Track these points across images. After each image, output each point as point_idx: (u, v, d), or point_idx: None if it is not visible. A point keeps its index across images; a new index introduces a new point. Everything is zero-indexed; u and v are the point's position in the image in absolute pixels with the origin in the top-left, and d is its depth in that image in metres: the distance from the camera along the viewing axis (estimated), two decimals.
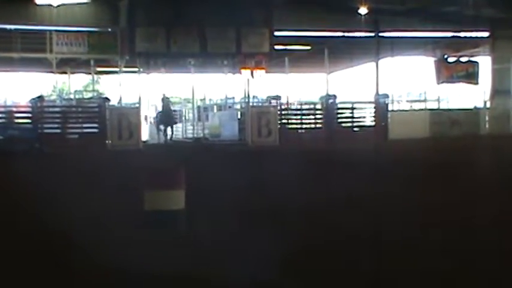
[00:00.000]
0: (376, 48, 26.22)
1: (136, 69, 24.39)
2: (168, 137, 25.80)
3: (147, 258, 5.68)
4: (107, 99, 23.77)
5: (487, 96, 28.23)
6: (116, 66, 23.99)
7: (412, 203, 8.48)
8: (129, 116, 22.52)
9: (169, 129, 26.08)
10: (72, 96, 28.35)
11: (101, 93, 29.21)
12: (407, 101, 30.10)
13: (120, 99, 23.95)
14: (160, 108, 26.95)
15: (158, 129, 26.34)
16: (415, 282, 4.95)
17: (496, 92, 27.99)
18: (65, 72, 29.06)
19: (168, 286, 5.00)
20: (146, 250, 6.04)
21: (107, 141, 22.16)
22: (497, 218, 7.17)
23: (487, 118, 27.58)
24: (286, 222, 7.29)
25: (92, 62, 26.19)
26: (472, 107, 28.23)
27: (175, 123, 26.90)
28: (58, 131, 22.41)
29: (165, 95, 26.57)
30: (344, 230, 6.83)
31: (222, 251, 6.01)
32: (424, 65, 30.96)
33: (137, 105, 23.50)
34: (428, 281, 4.97)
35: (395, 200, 8.75)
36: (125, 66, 23.88)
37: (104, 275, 5.24)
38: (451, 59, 28.28)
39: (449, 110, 28.31)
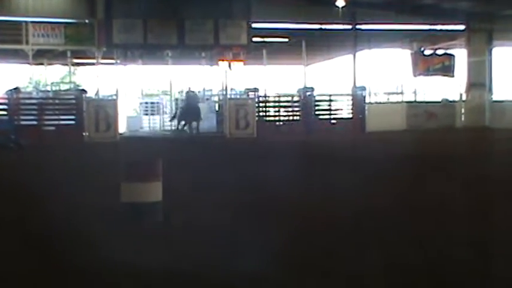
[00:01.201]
0: (353, 40, 26.39)
1: (113, 61, 24.29)
2: (194, 131, 24.00)
3: (120, 251, 5.75)
4: (84, 91, 23.66)
5: (463, 89, 28.54)
6: (93, 58, 23.87)
7: (385, 197, 8.62)
8: (106, 108, 22.46)
9: (194, 123, 24.22)
10: (48, 88, 28.10)
11: (78, 85, 29.01)
12: (385, 94, 30.26)
13: (98, 91, 23.86)
14: (183, 103, 25.42)
15: (179, 124, 24.60)
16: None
17: (472, 84, 28.32)
18: (42, 64, 28.85)
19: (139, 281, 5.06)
20: (121, 243, 6.11)
21: (84, 134, 22.09)
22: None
23: (462, 111, 27.90)
24: (263, 215, 7.39)
25: (68, 54, 26.03)
26: (443, 99, 28.51)
27: (201, 118, 24.22)
28: (34, 123, 22.27)
29: (190, 89, 24.89)
30: (323, 223, 6.95)
31: (198, 243, 6.09)
32: (401, 57, 31.21)
33: (114, 97, 23.43)
34: None
35: (367, 193, 8.89)
36: (102, 58, 23.77)
37: (77, 269, 5.30)
38: (427, 52, 28.54)
39: (426, 102, 28.57)
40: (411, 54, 28.59)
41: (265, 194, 8.63)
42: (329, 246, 5.81)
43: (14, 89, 22.38)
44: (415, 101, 28.74)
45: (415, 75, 28.48)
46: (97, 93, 23.85)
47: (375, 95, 29.05)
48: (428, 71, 28.40)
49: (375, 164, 12.33)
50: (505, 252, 5.40)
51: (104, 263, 5.36)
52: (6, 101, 22.10)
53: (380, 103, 28.41)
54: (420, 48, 28.57)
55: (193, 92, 24.92)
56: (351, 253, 5.53)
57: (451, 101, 27.93)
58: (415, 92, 29.88)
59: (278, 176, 10.20)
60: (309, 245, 5.87)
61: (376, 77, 29.87)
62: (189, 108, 24.14)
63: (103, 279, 5.01)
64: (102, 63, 24.06)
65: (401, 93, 29.65)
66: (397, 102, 28.17)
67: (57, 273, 5.17)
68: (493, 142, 18.42)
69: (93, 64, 24.77)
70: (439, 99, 28.52)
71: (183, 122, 23.82)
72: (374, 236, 6.16)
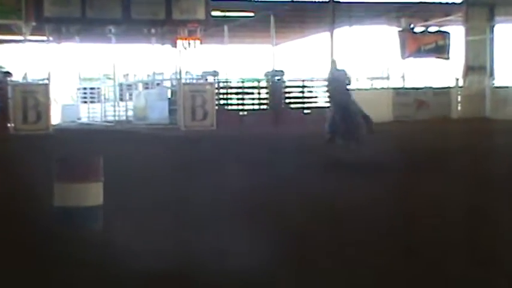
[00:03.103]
0: (331, 15, 26.53)
1: (44, 38, 24.07)
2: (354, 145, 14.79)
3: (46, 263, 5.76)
4: (9, 73, 23.42)
5: (460, 73, 28.95)
6: (20, 34, 23.62)
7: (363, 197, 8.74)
8: (36, 95, 22.26)
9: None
10: None
11: (1, 67, 28.68)
12: (368, 79, 30.58)
13: (25, 74, 23.64)
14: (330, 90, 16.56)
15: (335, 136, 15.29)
16: None
17: (470, 68, 28.73)
18: None
19: None
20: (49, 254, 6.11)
21: (8, 124, 21.89)
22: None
23: (459, 99, 28.27)
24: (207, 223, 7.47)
25: None
26: (442, 86, 28.93)
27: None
28: None
29: (335, 61, 16.27)
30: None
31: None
32: (387, 36, 31.49)
33: (46, 81, 23.23)
34: None
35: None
36: (31, 34, 23.54)
37: None
38: (418, 29, 28.85)
39: (416, 89, 28.87)
40: (399, 32, 28.83)
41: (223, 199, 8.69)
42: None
43: None
44: (403, 88, 29.08)
45: (403, 57, 28.76)
46: (25, 77, 23.62)
47: (356, 81, 29.30)
48: (419, 52, 28.70)
49: (352, 163, 12.47)
50: None
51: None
52: None
53: (362, 90, 28.64)
54: (409, 25, 28.81)
55: (341, 69, 15.60)
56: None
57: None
58: (403, 77, 30.22)
59: (237, 175, 10.27)
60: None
61: (358, 59, 30.12)
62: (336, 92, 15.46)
63: None
64: (30, 41, 23.83)
65: (387, 78, 29.98)
66: (383, 89, 28.45)
67: None
68: (492, 135, 18.74)
69: (20, 42, 24.50)
70: (439, 86, 28.67)
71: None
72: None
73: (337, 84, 14.85)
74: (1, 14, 22.89)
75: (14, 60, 33.61)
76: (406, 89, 28.88)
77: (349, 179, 10.39)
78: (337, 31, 27.32)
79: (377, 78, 30.40)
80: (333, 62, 15.31)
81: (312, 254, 6.05)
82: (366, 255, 5.97)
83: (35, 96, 22.17)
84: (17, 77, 23.46)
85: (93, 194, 7.26)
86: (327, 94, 16.05)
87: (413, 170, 11.30)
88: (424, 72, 31.89)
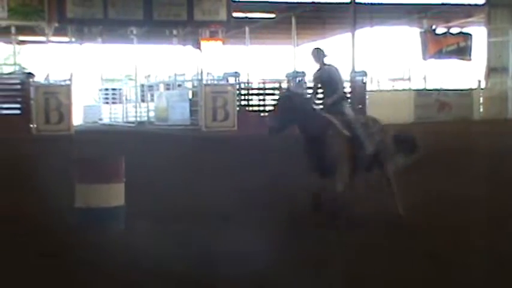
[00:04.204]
0: (352, 16, 26.43)
1: (67, 39, 24.17)
2: None
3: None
4: (31, 74, 23.52)
5: (482, 75, 28.75)
6: (43, 35, 23.75)
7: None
8: (58, 95, 22.35)
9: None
10: None
11: (23, 68, 28.84)
12: (389, 80, 30.44)
13: (48, 75, 23.74)
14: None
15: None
16: None
17: (492, 69, 28.52)
18: None
19: None
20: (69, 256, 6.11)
21: (31, 125, 21.98)
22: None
23: (481, 100, 28.08)
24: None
25: (13, 30, 25.83)
26: (464, 87, 28.76)
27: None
28: None
29: (321, 51, 10.01)
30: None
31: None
32: (408, 37, 31.35)
33: (68, 82, 23.32)
34: None
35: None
36: (54, 35, 23.66)
37: None
38: (439, 31, 28.68)
39: (438, 90, 28.71)
40: (421, 33, 28.68)
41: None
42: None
43: None
44: (424, 89, 28.90)
45: (425, 59, 28.61)
46: (47, 78, 23.72)
47: (378, 82, 29.19)
48: (440, 54, 28.54)
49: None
50: None
51: None
52: None
53: (383, 91, 28.54)
54: (431, 27, 28.66)
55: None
56: None
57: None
58: (424, 78, 30.04)
59: (260, 178, 10.22)
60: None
61: (379, 61, 30.00)
62: None
63: None
64: (53, 42, 23.95)
65: (409, 79, 29.80)
66: (404, 90, 28.30)
67: None
68: None
69: (42, 42, 24.65)
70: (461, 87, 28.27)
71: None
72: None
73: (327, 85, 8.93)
74: (24, 16, 23.01)
75: (36, 61, 33.83)
76: (428, 90, 28.71)
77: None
78: (359, 32, 27.21)
79: (398, 79, 30.23)
80: (319, 52, 8.92)
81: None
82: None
83: (57, 97, 22.25)
84: (39, 78, 23.57)
85: (115, 194, 7.26)
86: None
87: (435, 171, 11.20)
88: (446, 74, 31.70)
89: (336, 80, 8.51)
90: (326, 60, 8.62)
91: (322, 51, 8.70)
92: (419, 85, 29.56)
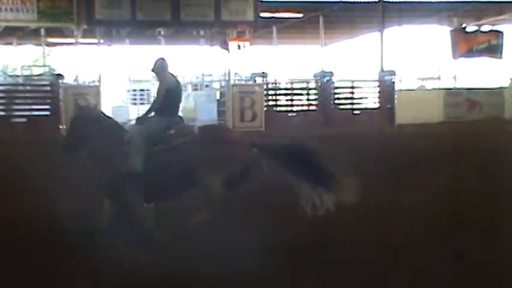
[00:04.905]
0: (381, 15, 26.36)
1: (95, 41, 24.39)
2: None
3: None
4: (61, 76, 23.79)
5: None
6: (72, 37, 23.98)
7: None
8: (87, 97, 22.55)
9: None
10: (18, 73, 28.29)
11: (53, 69, 29.15)
12: (418, 79, 30.27)
13: (77, 77, 23.99)
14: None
15: None
16: None
17: None
18: (10, 44, 29.01)
19: None
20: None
21: (60, 127, 22.21)
22: None
23: None
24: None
25: (42, 32, 26.15)
26: (495, 86, 28.53)
27: None
28: (1, 114, 22.44)
29: (163, 61, 9.34)
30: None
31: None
32: (438, 36, 31.18)
33: (97, 83, 23.56)
34: None
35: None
36: (82, 37, 23.89)
37: None
38: (470, 29, 28.50)
39: (468, 89, 28.52)
40: (450, 31, 28.55)
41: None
42: None
43: None
44: (454, 88, 28.74)
45: (455, 58, 28.46)
46: (76, 79, 23.97)
47: (407, 81, 29.08)
48: (471, 52, 28.38)
49: (410, 165, 12.37)
50: None
51: None
52: None
53: (412, 90, 28.42)
54: (461, 25, 28.51)
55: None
56: None
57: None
58: (454, 77, 29.87)
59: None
60: None
61: (408, 60, 29.88)
62: None
63: None
64: (82, 44, 24.17)
65: (438, 78, 29.65)
66: (433, 90, 28.16)
67: None
68: None
69: (71, 44, 24.88)
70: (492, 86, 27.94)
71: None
72: None
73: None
74: (53, 17, 23.26)
75: (65, 63, 34.17)
76: (458, 89, 28.55)
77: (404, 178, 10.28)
78: (387, 31, 27.15)
79: (427, 78, 30.07)
80: (161, 63, 8.20)
81: None
82: None
83: (85, 99, 22.45)
84: (68, 79, 23.81)
85: None
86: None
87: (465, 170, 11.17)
88: (476, 73, 31.50)
89: (179, 96, 7.99)
90: (169, 71, 8.00)
91: (163, 61, 8.11)
92: (449, 84, 29.38)
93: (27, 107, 22.96)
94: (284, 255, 6.21)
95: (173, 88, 7.83)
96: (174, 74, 7.99)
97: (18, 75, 27.43)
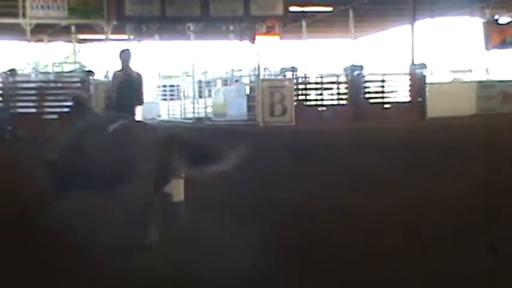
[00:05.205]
0: (412, 8, 26.19)
1: (125, 37, 24.52)
2: None
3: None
4: (91, 72, 23.93)
5: None
6: (102, 33, 24.15)
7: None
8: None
9: None
10: (50, 70, 28.52)
11: (83, 66, 29.35)
12: (450, 72, 30.02)
13: (107, 73, 24.13)
14: None
15: None
16: None
17: None
18: (41, 41, 29.26)
19: None
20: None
21: None
22: None
23: None
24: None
25: (73, 29, 26.33)
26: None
27: None
28: (33, 110, 22.63)
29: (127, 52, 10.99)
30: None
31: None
32: (470, 27, 30.90)
33: None
34: None
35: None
36: (112, 33, 24.04)
37: None
38: (503, 20, 28.20)
39: (501, 81, 28.22)
40: (483, 23, 28.28)
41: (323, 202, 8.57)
42: None
43: (10, 71, 22.73)
44: (488, 81, 28.45)
45: (487, 49, 28.19)
46: (106, 75, 24.11)
47: (438, 74, 28.85)
48: (504, 44, 28.10)
49: (442, 158, 12.28)
50: None
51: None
52: (0, 85, 22.48)
53: (444, 83, 28.18)
54: (494, 16, 28.22)
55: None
56: None
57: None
58: (487, 70, 29.58)
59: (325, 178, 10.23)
60: None
61: (440, 52, 29.66)
62: None
63: None
64: (112, 40, 24.32)
65: (471, 71, 29.39)
66: (466, 82, 27.92)
67: None
68: None
69: (101, 40, 25.04)
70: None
71: None
72: None
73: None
74: (84, 14, 23.45)
75: (96, 59, 34.40)
76: (491, 81, 28.26)
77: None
78: (418, 23, 26.95)
79: (459, 71, 29.82)
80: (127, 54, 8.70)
81: None
82: None
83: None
84: (99, 75, 23.96)
85: (175, 190, 7.38)
86: None
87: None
88: (510, 65, 31.14)
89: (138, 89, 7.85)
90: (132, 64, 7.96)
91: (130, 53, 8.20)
92: (482, 77, 29.10)
93: (58, 103, 23.12)
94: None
95: (123, 82, 7.93)
96: (132, 68, 8.06)
97: (49, 72, 27.64)
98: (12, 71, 22.95)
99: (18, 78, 23.77)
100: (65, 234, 6.60)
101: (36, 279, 5.49)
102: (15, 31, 24.92)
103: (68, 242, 6.34)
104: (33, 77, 26.30)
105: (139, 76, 7.97)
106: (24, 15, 23.13)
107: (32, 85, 24.12)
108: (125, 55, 8.07)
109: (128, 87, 7.76)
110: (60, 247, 6.25)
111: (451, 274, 5.39)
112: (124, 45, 25.07)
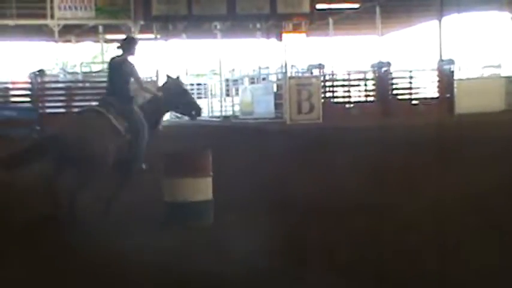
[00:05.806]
0: (439, 3, 25.99)
1: (152, 36, 24.59)
2: None
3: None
4: None
5: None
6: (129, 33, 24.21)
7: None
8: (145, 92, 22.74)
9: None
10: (78, 70, 28.71)
11: None
12: (479, 68, 29.75)
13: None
14: None
15: None
16: None
17: None
18: (69, 41, 29.44)
19: None
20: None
21: None
22: None
23: None
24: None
25: (100, 29, 26.47)
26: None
27: None
28: (62, 110, 22.76)
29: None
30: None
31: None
32: (498, 23, 30.62)
33: (154, 78, 23.73)
34: None
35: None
36: (140, 33, 24.11)
37: None
38: None
39: None
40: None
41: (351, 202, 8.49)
42: None
43: (38, 71, 22.90)
44: None
45: None
46: None
47: (466, 70, 28.59)
48: None
49: (470, 154, 12.15)
50: None
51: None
52: (29, 85, 22.65)
53: (472, 79, 27.91)
54: None
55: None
56: None
57: None
58: None
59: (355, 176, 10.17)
60: None
61: (468, 48, 29.40)
62: None
63: None
64: (139, 39, 24.36)
65: (499, 66, 29.09)
66: (494, 78, 27.64)
67: None
68: None
69: None
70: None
71: None
72: None
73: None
74: (111, 14, 23.56)
75: None
76: None
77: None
78: (446, 19, 26.74)
79: (488, 66, 29.53)
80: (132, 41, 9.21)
81: None
82: None
83: (143, 94, 22.63)
84: None
85: (203, 189, 7.35)
86: None
87: None
88: None
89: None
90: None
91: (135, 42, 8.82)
92: (511, 72, 28.80)
93: (87, 103, 23.21)
94: None
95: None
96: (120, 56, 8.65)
97: (77, 72, 27.81)
98: (41, 72, 23.11)
99: (47, 79, 23.94)
100: None
101: None
102: (44, 32, 25.10)
103: None
104: (61, 77, 26.46)
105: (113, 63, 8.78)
106: (52, 17, 23.28)
107: (60, 85, 24.28)
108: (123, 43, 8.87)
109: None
110: None
111: (483, 269, 5.31)
112: (151, 44, 25.28)
